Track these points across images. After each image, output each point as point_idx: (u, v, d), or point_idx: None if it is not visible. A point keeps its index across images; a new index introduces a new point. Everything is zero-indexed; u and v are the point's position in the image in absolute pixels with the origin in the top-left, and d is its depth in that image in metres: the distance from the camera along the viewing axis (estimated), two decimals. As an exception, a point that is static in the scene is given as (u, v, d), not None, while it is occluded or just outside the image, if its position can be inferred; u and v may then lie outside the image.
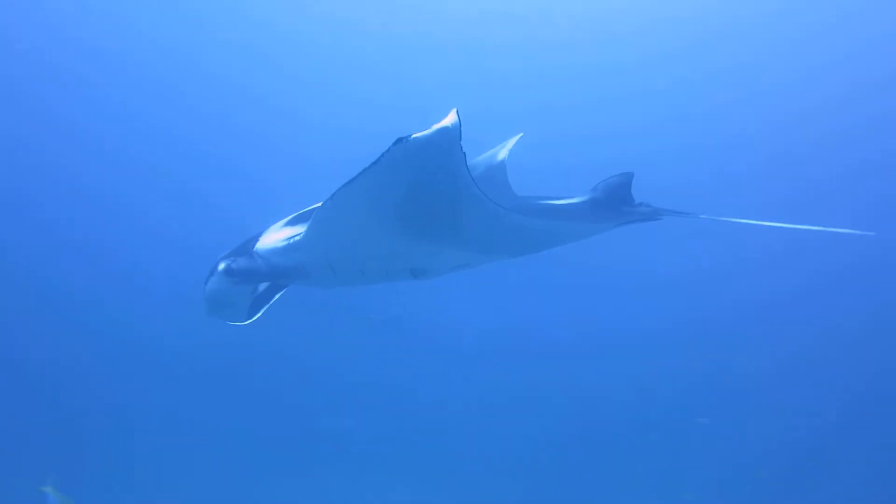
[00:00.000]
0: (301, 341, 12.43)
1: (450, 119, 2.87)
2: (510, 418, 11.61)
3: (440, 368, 12.71)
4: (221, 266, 4.42)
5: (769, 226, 4.62)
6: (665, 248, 14.31)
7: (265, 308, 4.99)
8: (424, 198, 3.43)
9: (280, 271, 4.41)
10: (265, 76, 21.02)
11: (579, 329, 13.70)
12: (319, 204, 4.53)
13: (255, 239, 4.52)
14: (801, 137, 19.21)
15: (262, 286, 5.14)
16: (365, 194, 3.37)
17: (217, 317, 4.72)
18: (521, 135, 6.70)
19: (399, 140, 2.92)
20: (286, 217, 4.60)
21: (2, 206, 16.06)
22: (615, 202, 4.77)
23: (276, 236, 4.37)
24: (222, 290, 4.48)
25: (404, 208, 3.51)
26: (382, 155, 3.02)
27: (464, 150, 3.09)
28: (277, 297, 5.03)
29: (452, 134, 2.91)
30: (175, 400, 11.30)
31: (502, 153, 6.43)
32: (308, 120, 20.34)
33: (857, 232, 4.69)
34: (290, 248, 4.23)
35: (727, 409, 11.78)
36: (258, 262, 4.39)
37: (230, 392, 11.71)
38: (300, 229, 4.16)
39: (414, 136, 2.91)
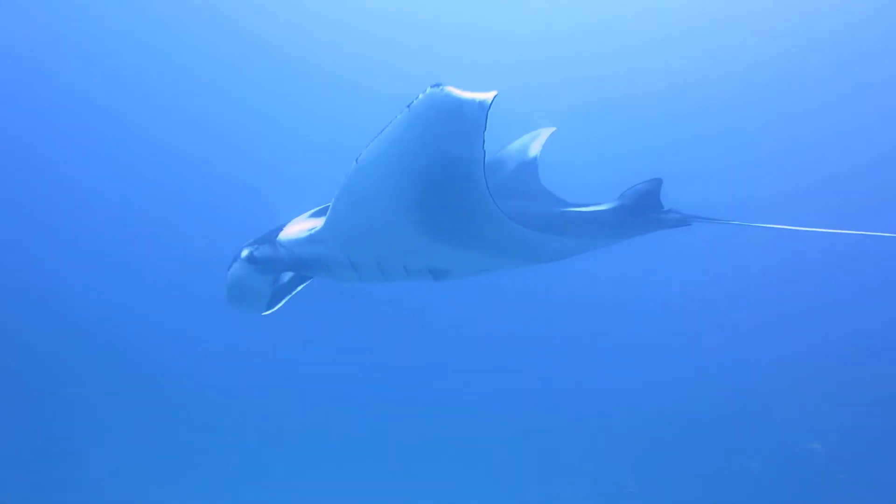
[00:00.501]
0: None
1: (488, 95, 2.86)
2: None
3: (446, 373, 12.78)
4: (245, 253, 4.44)
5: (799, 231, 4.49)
6: (692, 258, 14.12)
7: (286, 299, 5.02)
8: (439, 189, 3.42)
9: (301, 262, 4.41)
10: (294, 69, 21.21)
11: (593, 339, 13.58)
12: None
13: (280, 228, 4.54)
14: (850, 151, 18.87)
15: (285, 277, 5.20)
16: (390, 151, 3.31)
17: (237, 306, 4.73)
18: (553, 129, 6.65)
19: (435, 85, 2.90)
20: (312, 209, 4.61)
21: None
22: (643, 209, 4.69)
23: (299, 227, 4.38)
24: (244, 278, 4.48)
25: (420, 193, 3.49)
26: (416, 100, 2.99)
27: (485, 145, 3.06)
28: (299, 288, 5.06)
29: (481, 110, 2.90)
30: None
31: (534, 147, 6.39)
32: (343, 116, 20.51)
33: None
34: (311, 240, 4.23)
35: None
36: (280, 251, 4.39)
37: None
38: (323, 221, 4.16)
39: (450, 89, 2.90)
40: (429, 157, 3.25)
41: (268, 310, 4.90)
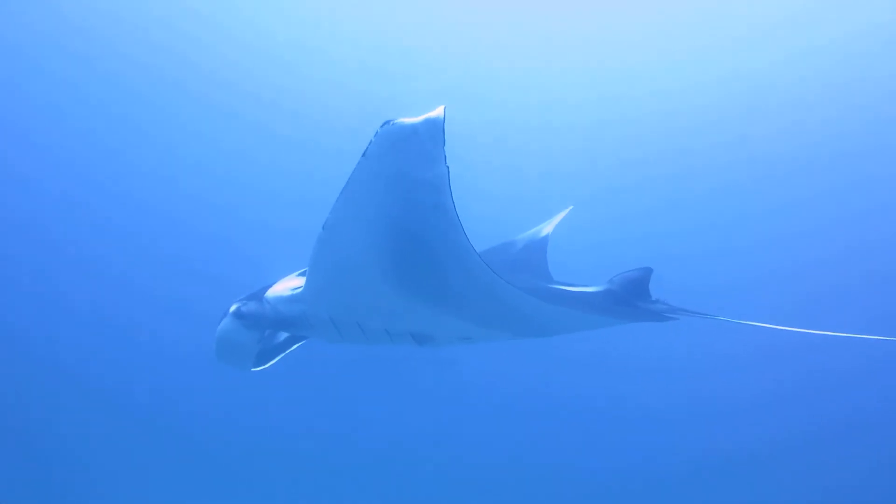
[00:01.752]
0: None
1: (438, 111, 2.93)
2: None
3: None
4: (233, 308, 4.57)
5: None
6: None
7: (278, 357, 5.10)
8: (409, 222, 3.43)
9: (286, 321, 4.50)
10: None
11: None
12: None
13: (269, 286, 4.67)
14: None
15: (281, 336, 5.29)
16: (357, 199, 3.36)
17: (225, 361, 4.81)
18: (570, 208, 6.71)
19: (385, 123, 2.98)
20: (303, 268, 4.73)
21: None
22: (630, 297, 4.65)
23: (285, 284, 4.48)
24: (231, 333, 4.56)
25: (392, 231, 3.50)
26: (370, 142, 3.06)
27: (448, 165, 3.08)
28: (294, 347, 5.14)
29: (435, 128, 2.95)
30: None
31: (547, 228, 6.45)
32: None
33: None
34: (293, 299, 4.32)
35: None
36: (266, 308, 4.49)
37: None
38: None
39: (400, 120, 2.97)
40: (397, 191, 3.28)
41: (257, 366, 5.01)
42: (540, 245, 6.28)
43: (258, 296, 4.58)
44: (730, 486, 12.36)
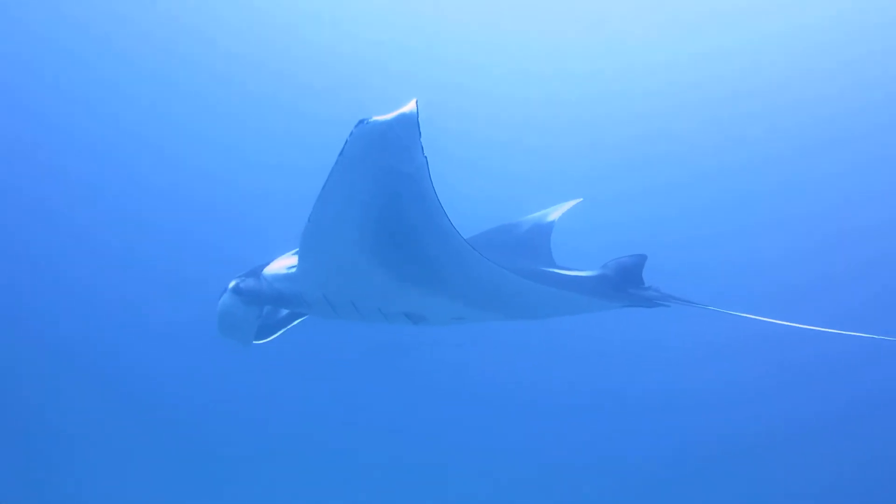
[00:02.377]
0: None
1: (410, 105, 2.95)
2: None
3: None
4: (232, 284, 4.68)
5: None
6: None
7: (279, 332, 5.23)
8: (392, 216, 3.49)
9: (283, 297, 4.59)
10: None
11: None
12: None
13: (268, 262, 4.76)
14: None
15: (283, 311, 5.40)
16: (338, 196, 3.41)
17: (226, 336, 4.93)
18: (580, 199, 6.72)
19: (360, 122, 3.01)
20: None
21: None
22: (623, 282, 4.67)
23: (282, 262, 4.55)
24: (230, 309, 4.66)
25: (376, 223, 3.56)
26: (346, 142, 3.09)
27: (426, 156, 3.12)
28: (294, 323, 5.25)
29: (409, 123, 2.98)
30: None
31: (554, 214, 6.46)
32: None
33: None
34: (289, 277, 4.41)
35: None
36: (264, 285, 4.59)
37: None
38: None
39: (374, 118, 3.00)
40: (377, 186, 3.33)
41: (257, 340, 5.14)
42: (545, 229, 6.27)
43: (256, 272, 4.67)
44: (721, 476, 12.36)
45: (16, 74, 19.10)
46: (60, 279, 15.69)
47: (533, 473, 11.83)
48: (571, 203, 6.56)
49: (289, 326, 5.21)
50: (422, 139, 3.02)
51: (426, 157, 3.12)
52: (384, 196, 3.38)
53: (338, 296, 4.38)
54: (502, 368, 13.53)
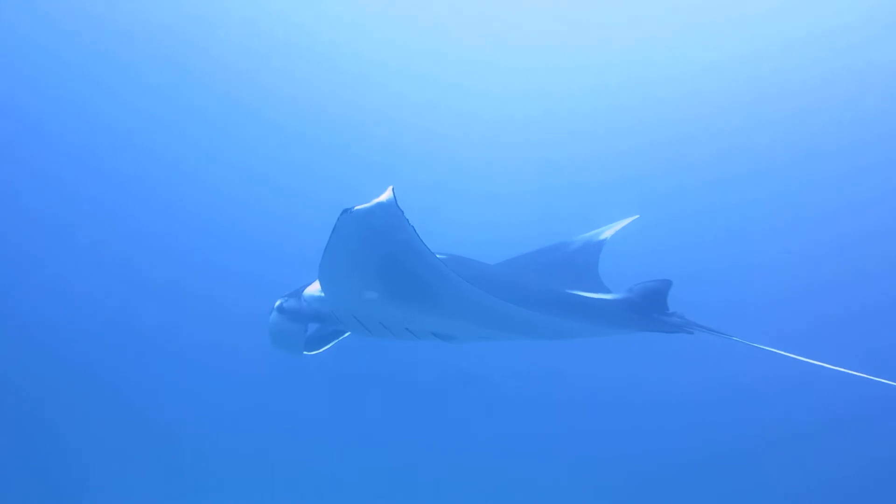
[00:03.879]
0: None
1: (387, 193, 3.21)
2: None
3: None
4: (277, 303, 5.12)
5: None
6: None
7: (329, 345, 5.63)
8: (391, 266, 3.79)
9: (320, 316, 4.97)
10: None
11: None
12: None
13: (310, 283, 5.16)
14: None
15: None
16: (339, 260, 3.79)
17: (278, 349, 5.39)
18: (636, 216, 6.62)
19: (344, 211, 3.30)
20: None
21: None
22: (647, 308, 4.63)
23: (318, 285, 4.96)
24: (276, 326, 5.07)
25: (381, 275, 3.89)
26: (335, 227, 3.42)
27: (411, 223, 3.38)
28: (343, 337, 5.64)
29: (389, 207, 3.22)
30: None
31: (607, 233, 6.41)
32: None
33: None
34: (323, 299, 4.78)
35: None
36: (303, 304, 5.00)
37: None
38: None
39: (357, 207, 3.28)
40: (373, 257, 3.71)
41: (308, 352, 5.57)
42: (595, 248, 6.24)
43: (298, 293, 5.09)
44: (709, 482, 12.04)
45: (13, 77, 19.56)
46: (57, 285, 15.85)
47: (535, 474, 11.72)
48: (626, 221, 6.48)
49: (337, 340, 5.60)
50: (405, 214, 3.29)
51: (413, 226, 3.39)
52: (378, 257, 3.73)
53: (366, 318, 4.70)
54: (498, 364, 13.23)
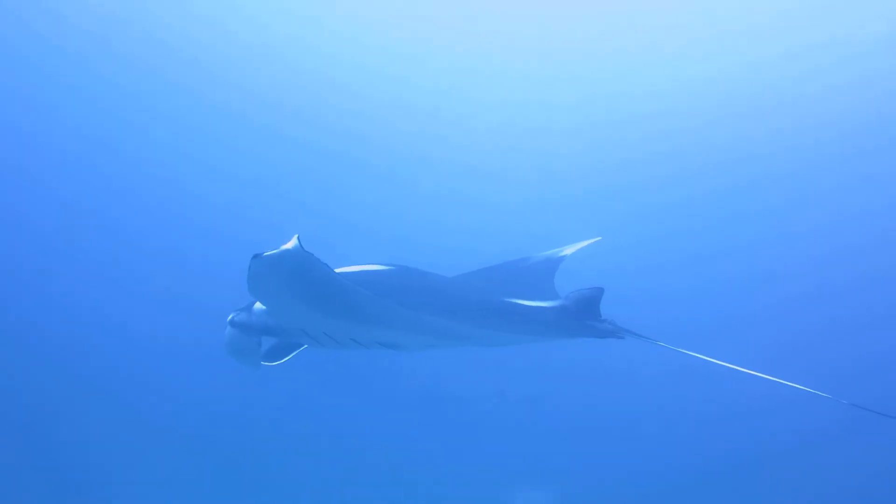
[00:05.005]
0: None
1: (292, 241, 3.48)
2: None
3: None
4: (229, 317, 5.31)
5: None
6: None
7: (289, 356, 5.80)
8: (309, 292, 4.07)
9: (270, 330, 5.16)
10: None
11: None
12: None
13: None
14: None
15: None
16: (259, 292, 4.22)
17: (236, 360, 5.59)
18: (598, 238, 6.85)
19: (254, 257, 3.59)
20: None
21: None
22: (581, 314, 4.84)
23: None
24: (231, 338, 5.27)
25: (302, 298, 4.16)
26: (248, 269, 3.73)
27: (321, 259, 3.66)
28: (297, 351, 5.79)
29: (295, 254, 3.51)
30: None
31: (568, 250, 6.63)
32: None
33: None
34: (268, 312, 4.97)
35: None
36: (253, 318, 5.18)
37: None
38: None
39: (266, 253, 3.57)
40: (288, 289, 4.10)
41: (267, 362, 5.73)
42: (554, 263, 6.45)
43: (249, 307, 5.27)
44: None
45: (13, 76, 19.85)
46: (56, 287, 15.93)
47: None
48: (588, 241, 6.70)
49: (297, 351, 5.76)
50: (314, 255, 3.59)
51: (323, 264, 3.72)
52: (293, 289, 4.09)
53: (311, 330, 4.88)
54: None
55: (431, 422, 12.86)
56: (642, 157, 21.52)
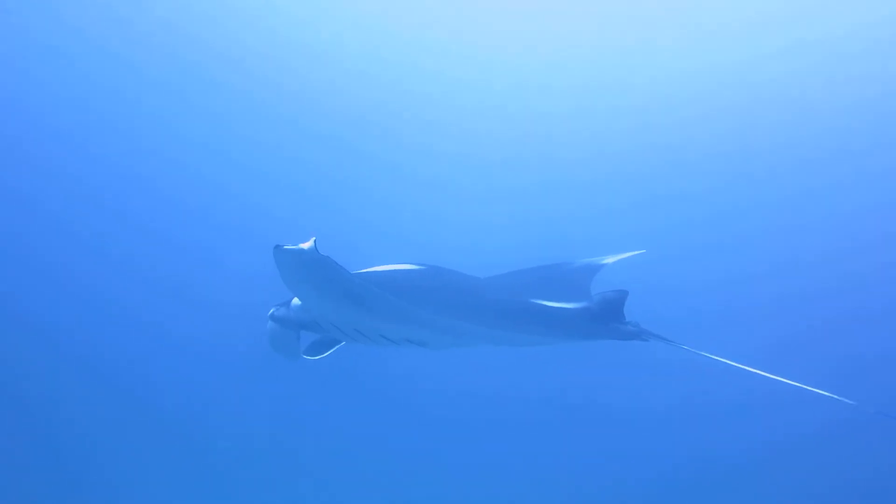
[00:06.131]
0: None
1: (309, 242, 3.74)
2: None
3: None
4: (270, 311, 5.56)
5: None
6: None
7: (330, 350, 5.99)
8: (329, 289, 4.36)
9: (305, 324, 5.40)
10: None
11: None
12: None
13: None
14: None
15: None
16: (289, 281, 4.37)
17: (277, 353, 5.76)
18: (643, 251, 6.86)
19: (276, 247, 3.86)
20: None
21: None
22: (605, 317, 5.02)
23: None
24: (272, 332, 5.54)
25: (325, 294, 4.46)
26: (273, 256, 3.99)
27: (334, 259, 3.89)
28: (335, 349, 5.99)
29: (310, 254, 3.76)
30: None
31: (609, 259, 6.69)
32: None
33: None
34: (303, 308, 5.21)
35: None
36: (290, 313, 5.42)
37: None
38: None
39: (286, 247, 3.83)
40: (310, 284, 4.36)
41: (309, 356, 5.92)
42: (593, 269, 6.42)
43: (288, 302, 5.51)
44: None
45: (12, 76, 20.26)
46: (61, 279, 16.04)
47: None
48: (632, 252, 6.67)
49: (337, 347, 5.96)
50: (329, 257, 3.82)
51: (335, 265, 3.93)
52: (313, 283, 4.34)
53: (342, 325, 5.11)
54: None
55: (431, 422, 12.84)
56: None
